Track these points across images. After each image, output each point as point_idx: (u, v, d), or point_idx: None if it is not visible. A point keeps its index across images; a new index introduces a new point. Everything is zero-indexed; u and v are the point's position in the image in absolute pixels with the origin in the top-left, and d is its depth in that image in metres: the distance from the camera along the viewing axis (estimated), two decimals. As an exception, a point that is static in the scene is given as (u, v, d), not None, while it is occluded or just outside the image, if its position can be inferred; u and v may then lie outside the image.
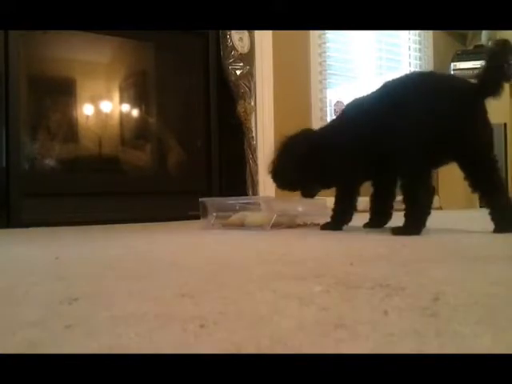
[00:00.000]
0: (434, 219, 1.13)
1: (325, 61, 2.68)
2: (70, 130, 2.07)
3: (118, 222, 1.83)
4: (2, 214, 1.74)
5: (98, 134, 2.12)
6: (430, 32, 3.10)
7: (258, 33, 2.32)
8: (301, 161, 1.35)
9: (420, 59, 3.12)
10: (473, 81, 1.09)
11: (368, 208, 1.37)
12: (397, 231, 1.11)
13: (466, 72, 2.76)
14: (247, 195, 2.17)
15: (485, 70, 1.05)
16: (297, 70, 2.55)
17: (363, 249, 0.94)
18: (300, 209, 1.55)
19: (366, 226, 1.36)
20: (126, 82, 2.23)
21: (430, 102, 1.08)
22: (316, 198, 1.50)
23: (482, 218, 1.15)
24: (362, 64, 2.91)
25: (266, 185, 2.18)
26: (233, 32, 2.21)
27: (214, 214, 1.51)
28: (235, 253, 0.91)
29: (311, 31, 2.58)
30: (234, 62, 2.22)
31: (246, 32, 2.26)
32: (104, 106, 2.16)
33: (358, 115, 1.26)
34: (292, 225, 1.48)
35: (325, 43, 2.68)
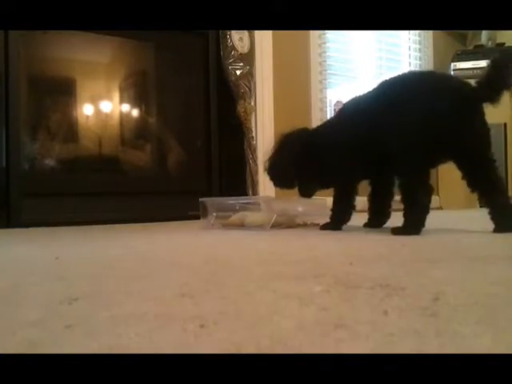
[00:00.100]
0: (434, 219, 1.13)
1: (325, 61, 2.68)
2: (70, 129, 2.06)
3: (118, 222, 1.83)
4: (2, 214, 1.74)
5: (98, 134, 2.12)
6: (430, 32, 3.10)
7: (257, 33, 2.32)
8: (297, 158, 1.35)
9: (420, 59, 3.12)
10: (472, 81, 1.09)
11: (366, 208, 1.37)
12: (396, 231, 1.11)
13: (466, 72, 2.76)
14: (247, 195, 2.17)
15: (486, 77, 1.05)
16: (297, 70, 2.55)
17: (363, 249, 0.94)
18: (300, 209, 1.55)
19: (366, 225, 1.36)
20: (125, 82, 2.23)
21: (428, 101, 1.08)
22: (316, 197, 1.50)
23: (482, 218, 1.15)
24: (362, 64, 2.91)
25: (265, 185, 2.18)
26: (233, 32, 2.21)
27: (214, 214, 1.51)
28: (235, 253, 0.91)
29: (311, 31, 2.58)
30: (234, 62, 2.22)
31: (245, 32, 2.26)
32: (104, 106, 2.16)
33: (356, 114, 1.26)
34: (292, 225, 1.48)
35: (325, 43, 2.68)
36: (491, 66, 1.05)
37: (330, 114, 2.68)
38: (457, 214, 2.22)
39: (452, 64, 2.88)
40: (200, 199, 1.52)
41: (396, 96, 1.14)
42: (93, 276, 0.64)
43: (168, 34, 2.08)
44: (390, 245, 0.93)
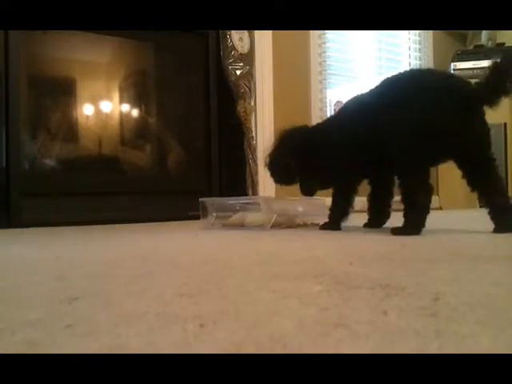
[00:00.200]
0: (434, 219, 1.13)
1: (325, 61, 2.68)
2: (70, 129, 2.07)
3: (118, 222, 1.84)
4: (2, 214, 1.74)
5: (98, 134, 2.12)
6: (430, 32, 3.10)
7: (257, 33, 2.32)
8: (297, 154, 1.35)
9: (420, 59, 3.12)
10: (472, 81, 1.09)
11: (366, 208, 1.37)
12: (396, 231, 1.11)
13: (466, 72, 2.76)
14: (247, 195, 2.17)
15: (486, 80, 1.04)
16: (297, 70, 2.55)
17: (363, 249, 0.94)
18: (300, 209, 1.55)
19: (366, 226, 1.36)
20: (125, 82, 2.23)
21: (429, 99, 1.07)
22: (315, 197, 1.50)
23: (482, 218, 1.15)
24: (361, 64, 2.91)
25: (265, 185, 2.18)
26: (233, 32, 2.21)
27: (214, 214, 1.51)
28: (235, 253, 0.91)
29: (311, 31, 2.58)
30: (233, 61, 2.22)
31: (245, 32, 2.26)
32: (104, 106, 2.16)
33: (356, 112, 1.26)
34: (292, 225, 1.48)
35: (325, 43, 2.68)
36: (493, 70, 1.04)
37: (329, 113, 2.68)
38: (457, 214, 2.22)
39: (452, 64, 2.88)
40: (200, 199, 1.52)
41: (396, 95, 1.14)
42: (93, 276, 0.64)
43: (168, 34, 2.08)
44: (390, 245, 0.93)
